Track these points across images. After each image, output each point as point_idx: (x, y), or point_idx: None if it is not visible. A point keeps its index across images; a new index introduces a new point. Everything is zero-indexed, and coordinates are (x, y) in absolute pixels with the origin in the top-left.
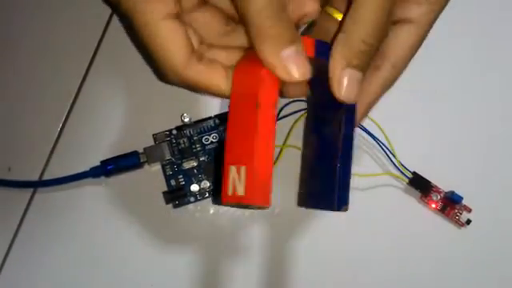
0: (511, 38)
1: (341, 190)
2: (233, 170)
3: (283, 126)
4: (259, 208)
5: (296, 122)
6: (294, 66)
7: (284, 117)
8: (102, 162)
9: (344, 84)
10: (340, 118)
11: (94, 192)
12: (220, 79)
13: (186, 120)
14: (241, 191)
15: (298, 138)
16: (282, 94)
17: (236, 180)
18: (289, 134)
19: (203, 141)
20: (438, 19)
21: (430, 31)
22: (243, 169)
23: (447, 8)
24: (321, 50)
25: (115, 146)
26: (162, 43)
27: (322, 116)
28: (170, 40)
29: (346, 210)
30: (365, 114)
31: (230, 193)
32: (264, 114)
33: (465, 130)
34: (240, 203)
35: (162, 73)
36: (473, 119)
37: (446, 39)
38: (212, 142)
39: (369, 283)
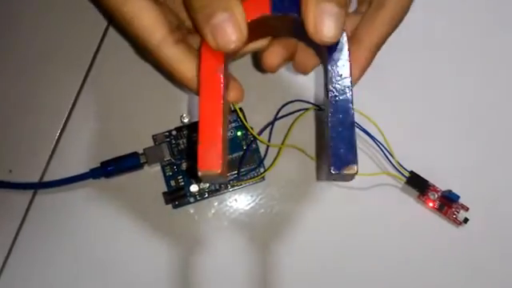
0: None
1: (338, 147)
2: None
3: (282, 126)
4: (218, 179)
5: (294, 121)
6: (221, 34)
7: (282, 117)
8: (102, 163)
9: (319, 21)
10: (327, 67)
11: (95, 193)
12: (188, 69)
13: (186, 121)
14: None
15: (296, 138)
16: (296, 69)
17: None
18: (287, 134)
19: None
20: (435, 21)
21: (428, 29)
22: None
23: (448, 7)
24: (283, 5)
25: (115, 147)
26: (137, 21)
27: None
28: (146, 17)
29: (352, 173)
30: (370, 59)
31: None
32: (206, 83)
33: (462, 130)
34: (200, 176)
35: (140, 50)
36: (470, 118)
37: (445, 38)
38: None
39: (367, 282)
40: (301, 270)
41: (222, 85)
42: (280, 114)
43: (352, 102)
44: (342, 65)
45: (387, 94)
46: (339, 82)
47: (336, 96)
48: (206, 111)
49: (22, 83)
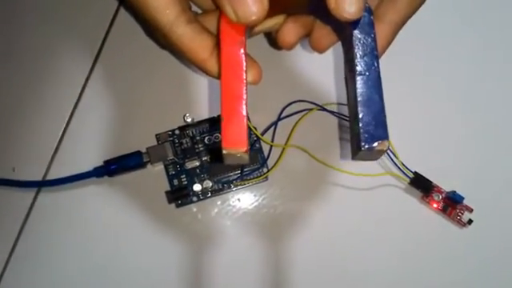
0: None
1: (368, 123)
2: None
3: (286, 126)
4: (241, 158)
5: (298, 122)
6: (241, 6)
7: (286, 117)
8: (106, 161)
9: None
10: (352, 44)
11: (98, 192)
12: (203, 48)
13: (189, 120)
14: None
15: (300, 138)
16: (313, 47)
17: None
18: (291, 134)
19: (206, 141)
20: (438, 21)
21: (431, 31)
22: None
23: (450, 9)
24: None
25: (118, 146)
26: (149, 0)
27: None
28: None
29: (384, 148)
30: (391, 39)
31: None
32: (227, 59)
33: (466, 130)
34: (225, 156)
35: (152, 33)
36: (474, 119)
37: (448, 39)
38: (214, 142)
39: (370, 282)
40: (304, 270)
41: (243, 60)
42: (283, 114)
43: (380, 78)
44: (369, 41)
45: (391, 94)
46: (366, 58)
47: (363, 72)
48: (228, 88)
49: (25, 81)
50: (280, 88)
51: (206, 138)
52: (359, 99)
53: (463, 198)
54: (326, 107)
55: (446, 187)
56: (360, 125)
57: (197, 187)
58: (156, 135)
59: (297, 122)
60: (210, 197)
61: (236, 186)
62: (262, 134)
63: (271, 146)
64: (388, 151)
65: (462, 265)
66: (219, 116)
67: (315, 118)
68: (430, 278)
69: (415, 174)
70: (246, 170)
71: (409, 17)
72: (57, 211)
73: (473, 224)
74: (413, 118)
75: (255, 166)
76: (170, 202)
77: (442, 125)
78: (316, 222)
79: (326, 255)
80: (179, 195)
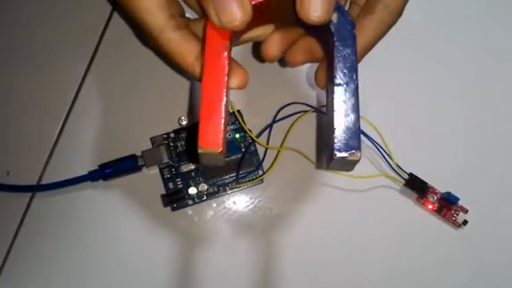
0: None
1: (342, 134)
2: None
3: (281, 128)
4: (216, 158)
5: (293, 124)
6: (225, 11)
7: (281, 119)
8: (100, 165)
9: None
10: (333, 54)
11: (93, 195)
12: (190, 52)
13: (184, 123)
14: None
15: (295, 141)
16: (286, 59)
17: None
18: (286, 136)
19: None
20: (436, 23)
21: (428, 31)
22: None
23: (446, 9)
24: None
25: (113, 150)
26: (140, 5)
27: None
28: (148, 2)
29: (355, 159)
30: (358, 61)
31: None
32: (210, 60)
33: (461, 131)
34: (200, 156)
35: (142, 36)
36: (469, 120)
37: (444, 40)
38: None
39: (366, 284)
40: (299, 272)
41: (226, 64)
42: (278, 117)
43: (357, 90)
44: (350, 54)
45: (386, 96)
46: (345, 70)
47: (342, 83)
48: (208, 89)
49: (19, 85)
50: (275, 90)
51: None
52: (335, 109)
53: (458, 199)
54: (320, 109)
55: (441, 188)
56: (334, 134)
57: (192, 190)
58: (151, 138)
59: (292, 125)
60: (205, 200)
61: (231, 188)
62: (257, 137)
63: (266, 148)
64: (383, 152)
65: (458, 266)
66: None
67: (310, 120)
68: (425, 279)
69: (410, 175)
70: (241, 172)
71: (377, 41)
72: (51, 215)
73: (468, 225)
74: (408, 119)
75: (250, 168)
76: (165, 205)
77: (437, 126)
78: (311, 224)
79: (322, 257)
80: (174, 198)
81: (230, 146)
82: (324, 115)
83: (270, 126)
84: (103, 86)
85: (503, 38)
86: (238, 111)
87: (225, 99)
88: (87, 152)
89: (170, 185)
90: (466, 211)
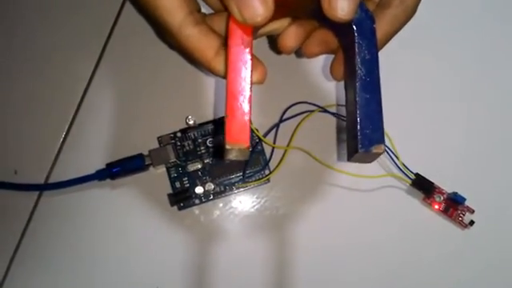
0: None
1: (365, 127)
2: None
3: (288, 127)
4: (243, 153)
5: (300, 123)
6: (247, 7)
7: (288, 119)
8: (108, 164)
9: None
10: (354, 48)
11: (100, 195)
12: (209, 48)
13: (191, 122)
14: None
15: (301, 140)
16: (303, 51)
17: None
18: (293, 135)
19: (208, 143)
20: (442, 23)
21: (435, 33)
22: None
23: (454, 11)
24: None
25: (120, 149)
26: (159, 2)
27: (347, 62)
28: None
29: (379, 152)
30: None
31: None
32: (234, 57)
33: (467, 131)
34: (227, 151)
35: (162, 33)
36: (475, 120)
37: (449, 42)
38: (217, 145)
39: (372, 283)
40: (306, 271)
41: (250, 60)
42: (285, 116)
43: (379, 83)
44: (371, 47)
45: (392, 97)
46: (367, 64)
47: (363, 77)
48: (233, 86)
49: (27, 83)
50: (281, 90)
51: (208, 141)
52: (358, 103)
53: (465, 199)
54: (327, 109)
55: (448, 188)
56: (358, 128)
57: (199, 190)
58: (158, 138)
59: (298, 124)
60: (212, 199)
61: (238, 188)
62: (264, 136)
63: (273, 147)
64: (390, 152)
65: (464, 266)
66: (222, 118)
67: (317, 119)
68: (431, 279)
69: (416, 175)
70: (248, 172)
71: (392, 35)
72: (59, 214)
73: (474, 225)
74: (414, 119)
75: (257, 168)
76: (172, 204)
77: (444, 126)
78: (318, 224)
79: (329, 256)
80: (181, 198)
81: None
82: (344, 108)
83: (277, 125)
84: (111, 84)
85: (509, 37)
86: None
87: (250, 94)
88: (95, 151)
89: (177, 184)
90: (472, 211)
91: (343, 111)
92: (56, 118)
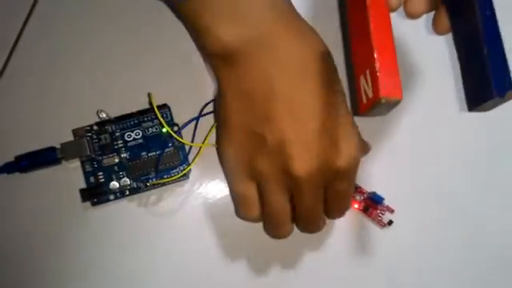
0: None
1: (497, 73)
2: (362, 80)
3: (207, 123)
4: (391, 105)
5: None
6: None
7: (207, 114)
8: (17, 157)
9: None
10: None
11: (9, 188)
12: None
13: (103, 116)
14: (370, 94)
15: None
16: (406, 10)
17: (366, 87)
18: (209, 132)
19: (125, 137)
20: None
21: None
22: (368, 72)
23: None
24: None
25: (32, 141)
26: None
27: (459, 12)
28: (232, 163)
29: (511, 97)
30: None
31: (364, 101)
32: (375, 14)
33: (387, 132)
34: (373, 106)
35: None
36: (395, 120)
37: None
38: (134, 139)
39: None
40: (222, 268)
41: (390, 19)
42: (205, 111)
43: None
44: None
45: None
46: (488, 19)
47: (487, 23)
48: (380, 40)
49: None
50: (204, 83)
51: (126, 135)
52: (486, 49)
53: (383, 199)
54: None
55: (368, 188)
56: (491, 76)
57: (114, 185)
58: (73, 130)
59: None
60: (128, 195)
61: (155, 184)
62: (181, 130)
63: (190, 146)
64: None
65: (383, 265)
66: (141, 111)
67: None
68: (349, 277)
69: None
70: (160, 167)
71: None
72: None
73: (393, 225)
74: None
75: (174, 164)
76: (83, 200)
77: (364, 125)
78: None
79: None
80: (95, 193)
81: (156, 140)
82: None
83: (197, 119)
84: (23, 74)
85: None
86: (165, 105)
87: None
88: (3, 143)
89: (91, 179)
90: (392, 211)
91: None
92: None
